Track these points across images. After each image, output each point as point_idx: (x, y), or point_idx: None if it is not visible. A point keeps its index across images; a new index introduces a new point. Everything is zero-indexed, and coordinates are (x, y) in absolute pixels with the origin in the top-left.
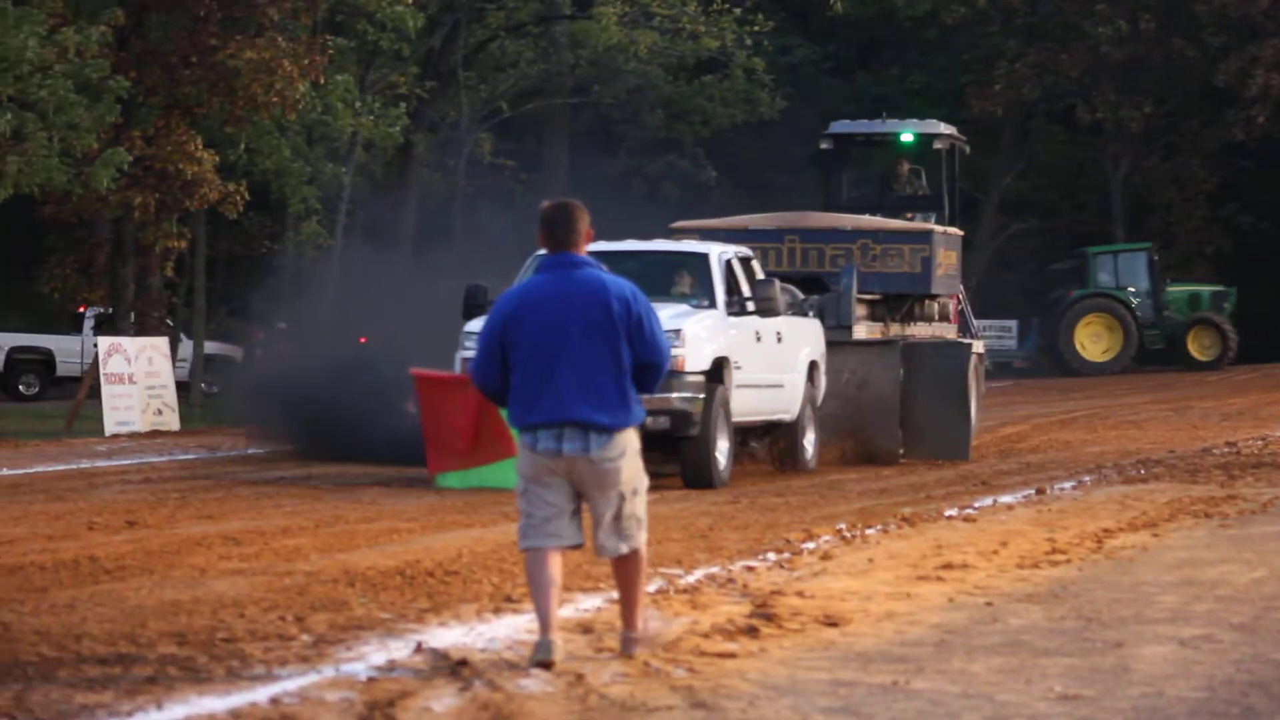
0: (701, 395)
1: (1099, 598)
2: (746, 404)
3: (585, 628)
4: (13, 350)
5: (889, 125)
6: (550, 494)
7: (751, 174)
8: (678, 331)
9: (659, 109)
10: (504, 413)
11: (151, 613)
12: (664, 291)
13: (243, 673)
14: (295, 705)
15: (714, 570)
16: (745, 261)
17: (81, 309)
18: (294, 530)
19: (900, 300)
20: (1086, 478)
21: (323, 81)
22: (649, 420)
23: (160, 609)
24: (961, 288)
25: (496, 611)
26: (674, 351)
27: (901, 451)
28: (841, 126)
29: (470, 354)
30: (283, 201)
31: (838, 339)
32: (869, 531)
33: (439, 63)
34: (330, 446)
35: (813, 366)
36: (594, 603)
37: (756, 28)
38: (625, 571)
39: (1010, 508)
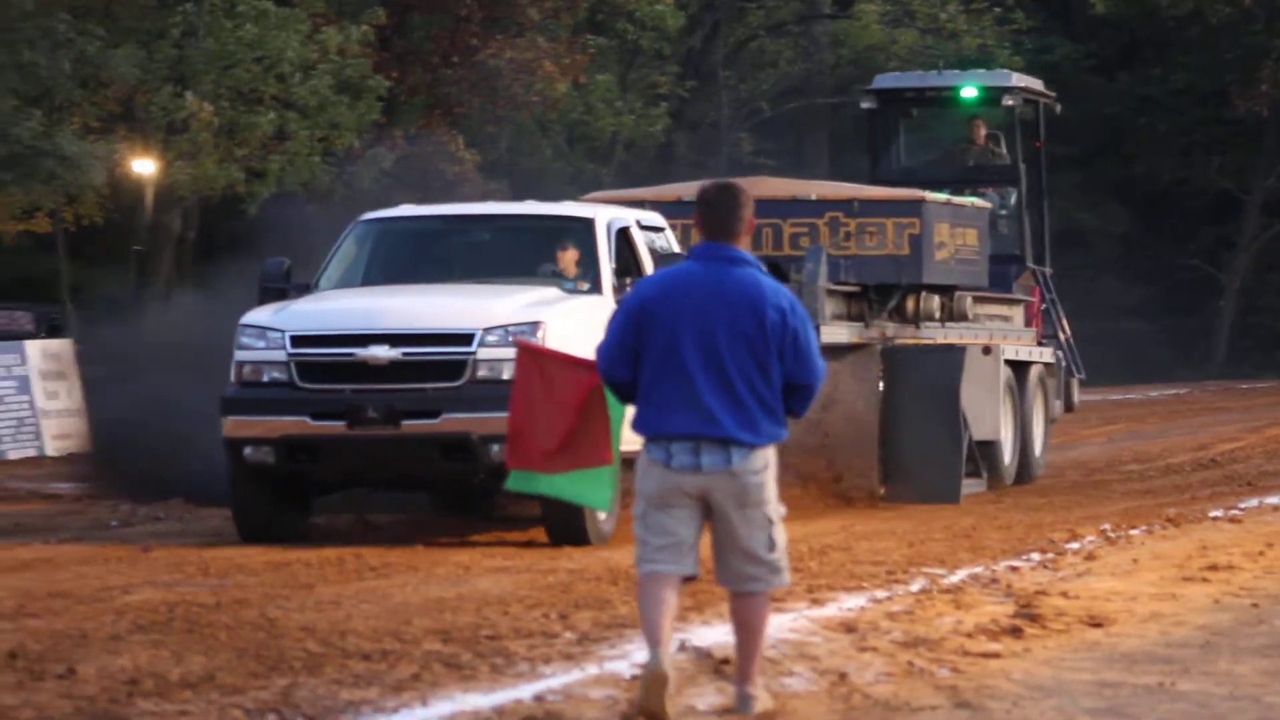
0: None
1: None
2: None
3: (848, 627)
4: None
5: (946, 78)
6: (673, 521)
7: None
8: (535, 324)
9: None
10: (614, 414)
11: (416, 610)
12: (531, 270)
13: (507, 670)
14: (559, 703)
15: (977, 570)
16: (653, 232)
17: None
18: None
19: (886, 293)
20: None
21: (584, 81)
22: (494, 451)
23: (425, 606)
24: (1044, 277)
25: None
26: None
27: (883, 491)
28: (888, 80)
29: (251, 355)
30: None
31: None
32: (1133, 532)
33: (699, 62)
34: None
35: None
36: (857, 602)
37: (1016, 26)
38: (755, 612)
39: (1276, 509)
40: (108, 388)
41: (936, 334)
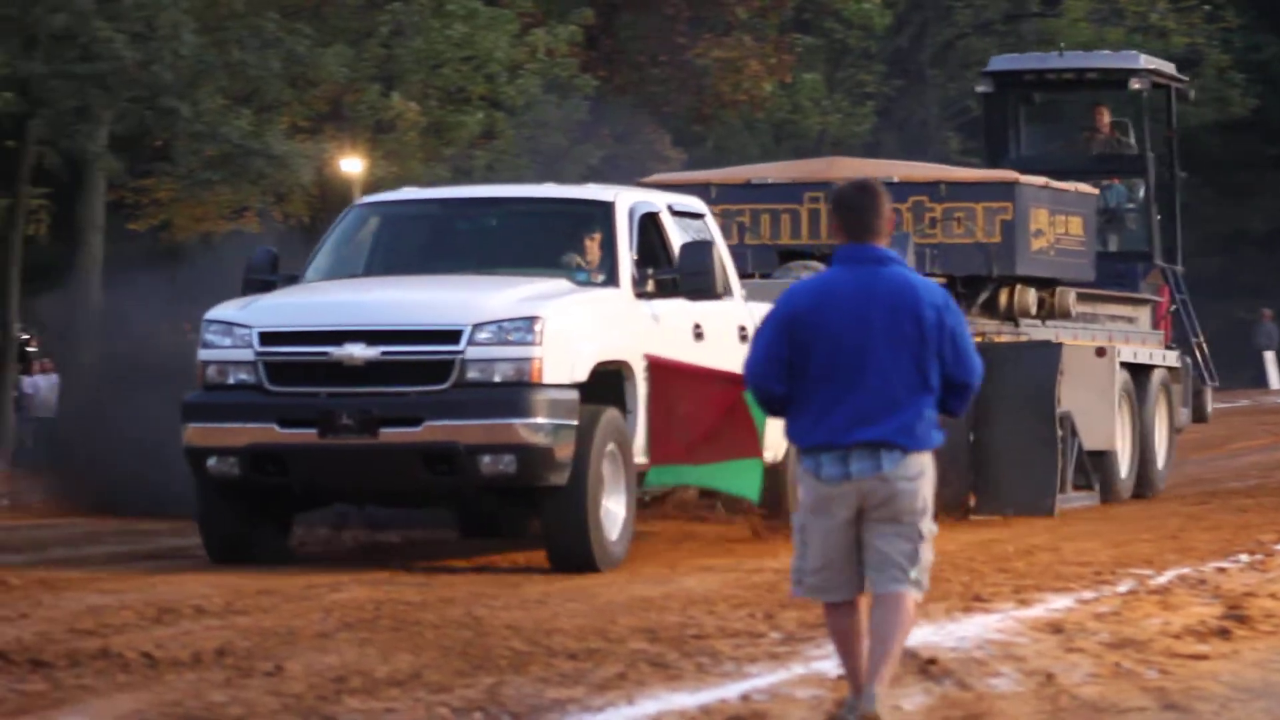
0: (571, 422)
1: None
2: None
3: (1055, 628)
4: None
5: (1067, 59)
6: (832, 532)
7: (1221, 174)
8: (530, 320)
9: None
10: (757, 413)
11: (622, 609)
12: (545, 261)
13: (713, 669)
14: (765, 702)
15: (1185, 571)
16: (690, 219)
17: None
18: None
19: (975, 286)
20: None
21: (790, 80)
22: (484, 463)
23: (631, 605)
24: (1174, 276)
25: (966, 610)
26: (530, 352)
27: (973, 502)
28: (1004, 63)
29: (216, 354)
30: None
31: None
32: None
33: (906, 61)
34: None
35: None
36: (1064, 603)
37: (1226, 24)
38: (894, 621)
39: None
40: None
41: (1037, 333)
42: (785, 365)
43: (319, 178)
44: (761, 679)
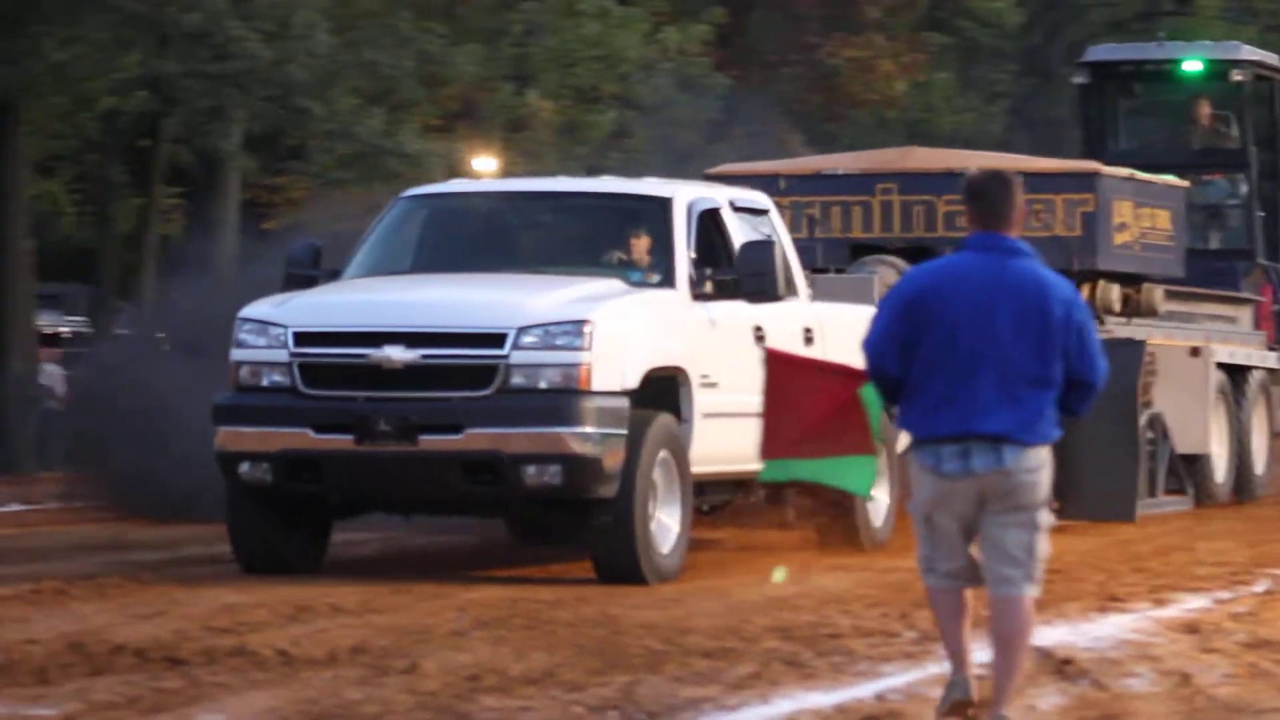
0: (620, 431)
1: None
2: (729, 445)
3: (1191, 628)
4: None
5: (1167, 49)
6: (952, 522)
7: None
8: (579, 323)
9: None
10: (873, 410)
11: (756, 608)
12: (598, 260)
13: (847, 668)
14: (900, 702)
15: None
16: (750, 214)
17: None
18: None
19: None
20: None
21: (922, 79)
22: (529, 473)
23: (765, 604)
24: (1278, 275)
25: (1101, 610)
26: (578, 358)
27: (1056, 506)
28: (1101, 53)
29: (249, 354)
30: None
31: None
32: None
33: (1039, 59)
34: None
35: None
36: (1200, 603)
37: None
38: (1010, 621)
39: None
40: None
41: (1122, 332)
42: (902, 347)
43: (451, 176)
44: (896, 678)
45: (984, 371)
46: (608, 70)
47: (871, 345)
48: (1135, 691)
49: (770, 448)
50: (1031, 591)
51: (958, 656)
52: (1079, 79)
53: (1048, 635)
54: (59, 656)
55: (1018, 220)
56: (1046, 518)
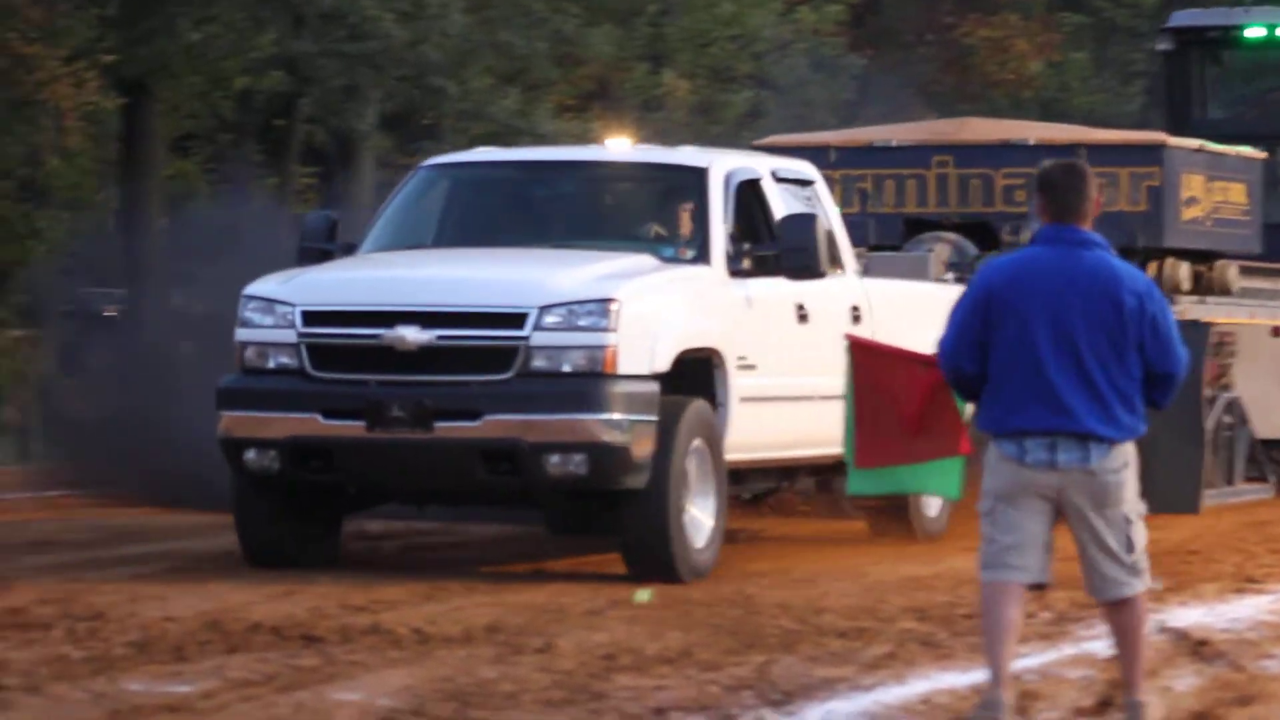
0: (650, 418)
1: None
2: (768, 431)
3: None
4: None
5: (1254, 15)
6: (1025, 517)
7: None
8: (604, 302)
9: None
10: (962, 408)
11: (891, 588)
12: (629, 233)
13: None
14: (1036, 682)
15: None
16: (795, 185)
17: None
18: None
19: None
20: None
21: (1058, 59)
22: (551, 462)
23: (900, 584)
24: None
25: (1238, 592)
26: (603, 339)
27: None
28: (1186, 18)
29: (255, 334)
30: None
31: None
32: None
33: None
34: None
35: None
36: None
37: None
38: (1130, 618)
39: None
40: None
41: (1194, 312)
42: (978, 345)
43: None
44: (1032, 659)
45: (1063, 367)
46: (742, 50)
47: (947, 344)
48: (1272, 673)
49: (865, 456)
50: (1141, 586)
51: (998, 672)
52: (1163, 45)
53: (1184, 617)
54: (196, 634)
55: (1090, 212)
56: (1138, 506)
